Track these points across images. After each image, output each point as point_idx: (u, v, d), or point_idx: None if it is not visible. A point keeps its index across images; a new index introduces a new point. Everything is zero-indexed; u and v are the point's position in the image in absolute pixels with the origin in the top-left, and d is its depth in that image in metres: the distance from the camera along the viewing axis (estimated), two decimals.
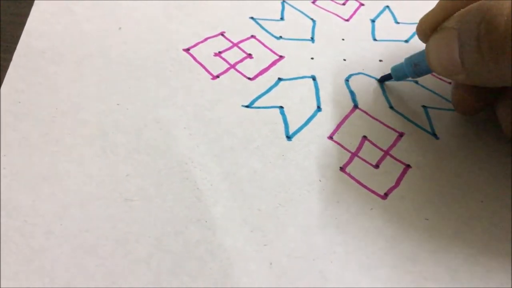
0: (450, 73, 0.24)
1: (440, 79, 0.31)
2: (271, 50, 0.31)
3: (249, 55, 0.31)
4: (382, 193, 0.25)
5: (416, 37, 0.33)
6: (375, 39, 0.33)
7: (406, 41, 0.33)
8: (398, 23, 0.34)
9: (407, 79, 0.30)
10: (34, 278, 0.21)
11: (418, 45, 0.32)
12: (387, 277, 0.22)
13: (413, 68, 0.27)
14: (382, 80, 0.30)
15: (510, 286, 0.22)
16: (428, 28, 0.26)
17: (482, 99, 0.27)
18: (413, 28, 0.33)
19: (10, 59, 0.29)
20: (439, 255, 0.23)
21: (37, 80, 0.28)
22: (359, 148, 0.27)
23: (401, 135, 0.27)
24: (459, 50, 0.23)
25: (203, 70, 0.30)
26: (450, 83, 0.30)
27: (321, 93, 0.29)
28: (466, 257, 0.23)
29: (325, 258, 0.22)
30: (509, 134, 0.26)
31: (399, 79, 0.29)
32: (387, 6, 0.35)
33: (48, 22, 0.31)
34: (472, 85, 0.25)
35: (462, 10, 0.23)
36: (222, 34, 0.32)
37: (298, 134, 0.27)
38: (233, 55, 0.31)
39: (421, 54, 0.27)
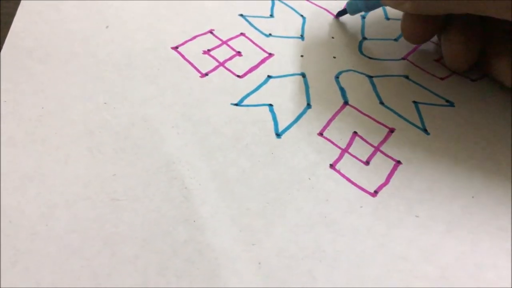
0: (396, 3, 0.27)
1: (432, 74, 0.30)
2: (260, 47, 0.31)
3: (238, 53, 0.31)
4: (372, 191, 0.24)
5: None
6: (365, 38, 0.32)
7: (396, 39, 0.32)
8: (389, 19, 0.34)
9: (360, 14, 0.33)
10: (19, 279, 0.20)
11: (408, 43, 0.32)
12: (377, 276, 0.21)
13: (365, 1, 0.31)
14: (339, 15, 0.33)
15: (501, 284, 0.22)
16: None
17: (429, 28, 0.29)
18: None
19: None
20: (429, 253, 0.22)
21: (23, 79, 0.27)
22: (350, 144, 0.26)
23: (391, 131, 0.27)
24: None
25: (192, 68, 0.29)
26: (441, 78, 0.30)
27: (311, 90, 0.29)
28: (457, 254, 0.22)
29: (314, 257, 0.22)
30: (453, 66, 0.30)
31: (353, 13, 0.32)
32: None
33: (34, 21, 0.31)
34: (418, 14, 0.28)
35: None
36: (211, 32, 0.32)
37: (288, 132, 0.27)
38: (222, 53, 0.30)
39: None
